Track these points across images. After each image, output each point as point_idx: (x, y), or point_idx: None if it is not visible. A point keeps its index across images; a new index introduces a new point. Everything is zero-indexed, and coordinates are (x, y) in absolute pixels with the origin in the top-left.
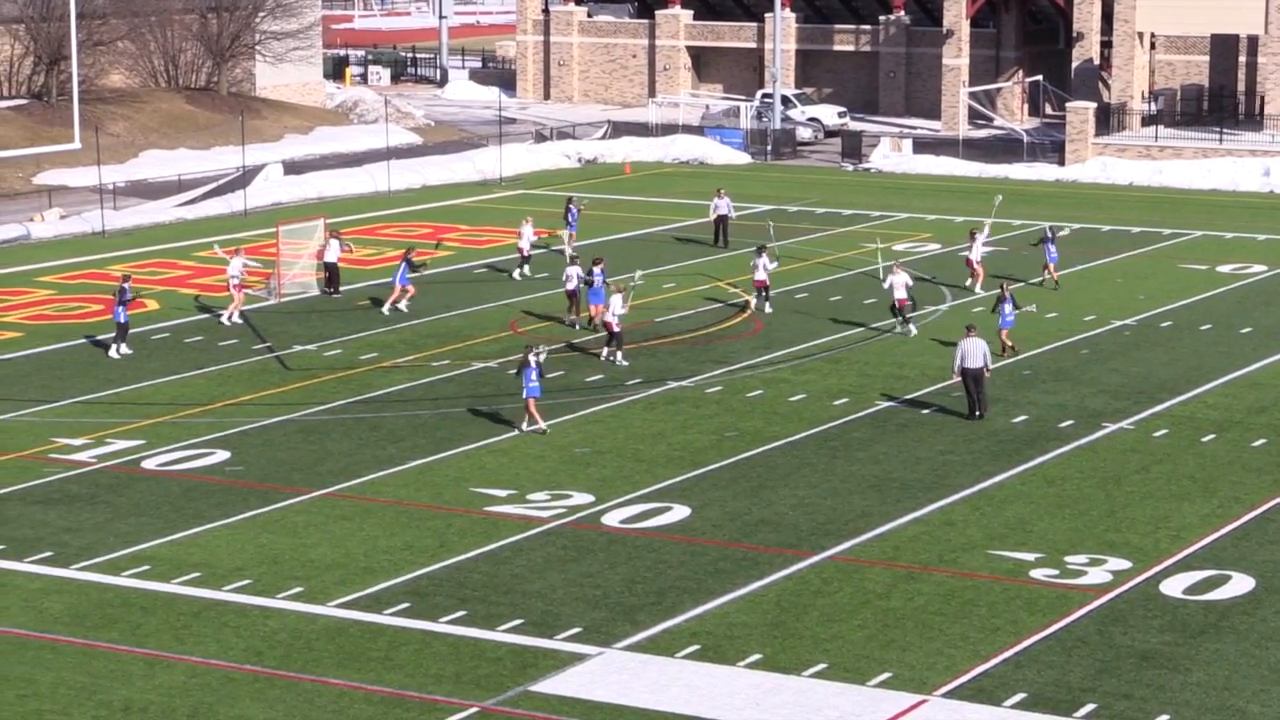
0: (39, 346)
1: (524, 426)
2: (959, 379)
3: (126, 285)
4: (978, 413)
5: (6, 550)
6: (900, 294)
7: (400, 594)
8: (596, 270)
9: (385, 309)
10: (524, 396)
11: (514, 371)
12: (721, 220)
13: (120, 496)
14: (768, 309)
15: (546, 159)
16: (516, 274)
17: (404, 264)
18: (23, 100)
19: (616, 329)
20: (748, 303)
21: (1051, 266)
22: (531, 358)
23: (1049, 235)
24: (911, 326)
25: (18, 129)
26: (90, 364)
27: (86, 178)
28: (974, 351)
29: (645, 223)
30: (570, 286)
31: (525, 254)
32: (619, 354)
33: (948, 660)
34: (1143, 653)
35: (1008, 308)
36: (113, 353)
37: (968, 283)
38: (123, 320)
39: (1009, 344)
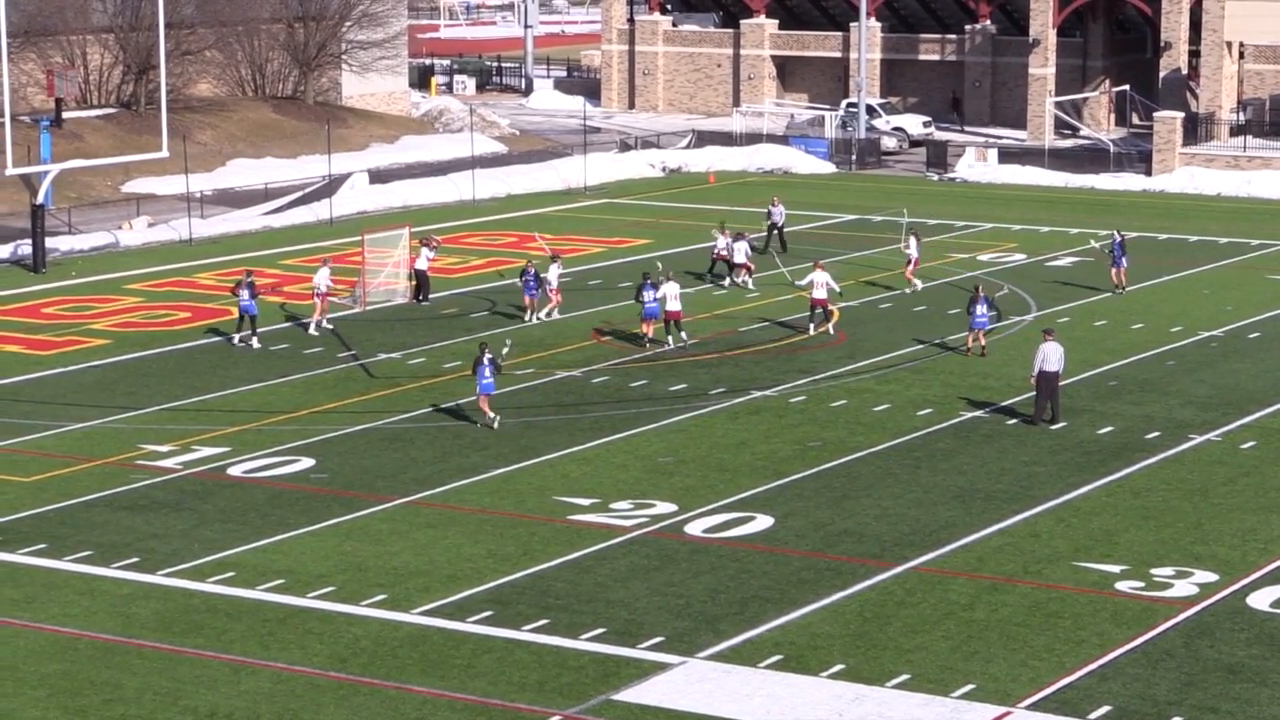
0: (127, 353)
1: (490, 421)
2: (1034, 381)
3: (251, 278)
4: (1048, 418)
5: (94, 556)
6: (820, 294)
7: (483, 602)
8: (648, 284)
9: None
10: (478, 393)
11: (471, 371)
12: (774, 228)
13: (206, 503)
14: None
15: (631, 168)
16: (727, 281)
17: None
18: (112, 109)
19: (680, 316)
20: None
21: (1118, 271)
22: (486, 355)
23: (1119, 239)
24: (818, 327)
25: (107, 137)
26: (177, 371)
27: (174, 186)
28: (1052, 355)
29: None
30: (550, 287)
31: (724, 258)
32: (683, 334)
33: (1032, 672)
34: (1229, 666)
35: (979, 308)
36: (254, 342)
37: (908, 290)
38: (255, 312)
39: (984, 344)
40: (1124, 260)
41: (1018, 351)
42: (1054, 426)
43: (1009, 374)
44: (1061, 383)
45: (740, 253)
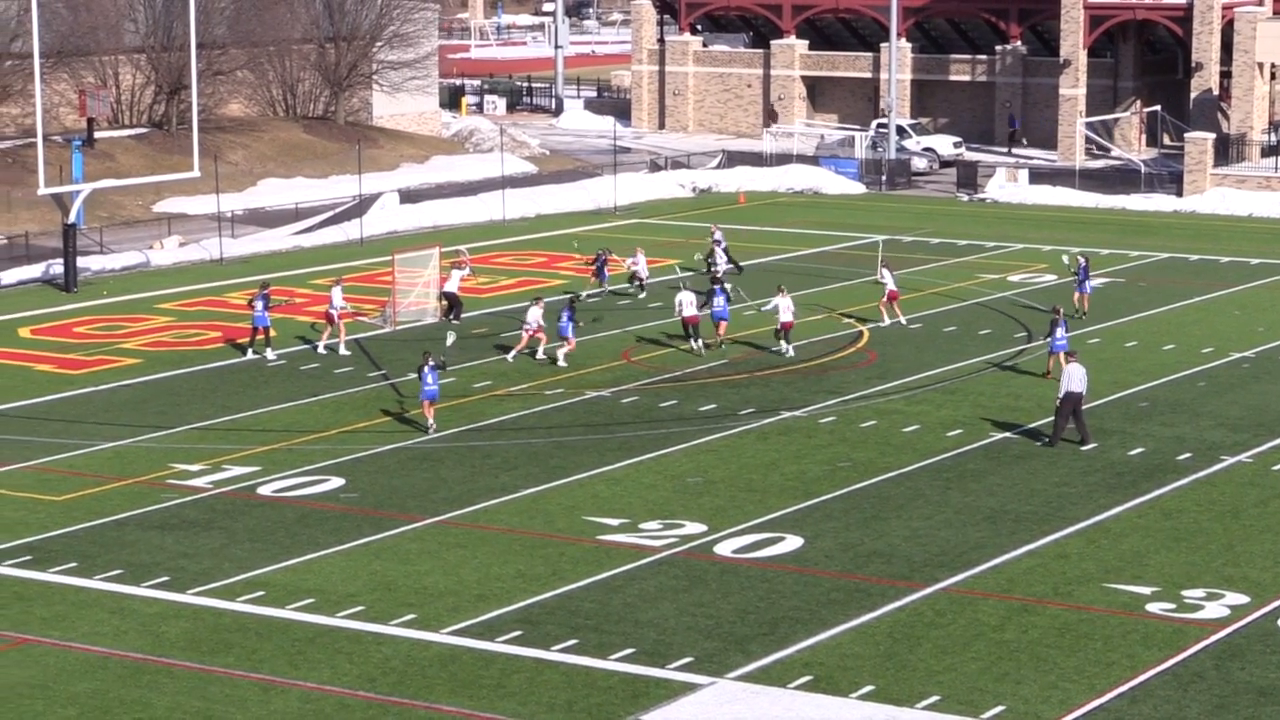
0: (157, 373)
1: (429, 427)
2: (1059, 403)
3: (267, 291)
4: (1076, 439)
5: (124, 575)
6: (786, 317)
7: (512, 622)
8: (720, 290)
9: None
10: (420, 399)
11: (415, 374)
12: (715, 250)
13: (236, 522)
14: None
15: (661, 188)
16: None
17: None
18: (144, 129)
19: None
20: (861, 332)
21: (1081, 296)
22: (429, 361)
23: (1083, 263)
24: (790, 348)
25: (138, 157)
26: (207, 390)
27: (205, 206)
28: (1076, 376)
29: (759, 252)
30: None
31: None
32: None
33: (1062, 694)
34: (1260, 689)
35: (1060, 331)
36: (266, 353)
37: (886, 321)
38: (268, 324)
39: (1052, 369)
40: (1088, 285)
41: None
42: (1085, 448)
43: (1039, 395)
44: (1093, 403)
45: (786, 311)
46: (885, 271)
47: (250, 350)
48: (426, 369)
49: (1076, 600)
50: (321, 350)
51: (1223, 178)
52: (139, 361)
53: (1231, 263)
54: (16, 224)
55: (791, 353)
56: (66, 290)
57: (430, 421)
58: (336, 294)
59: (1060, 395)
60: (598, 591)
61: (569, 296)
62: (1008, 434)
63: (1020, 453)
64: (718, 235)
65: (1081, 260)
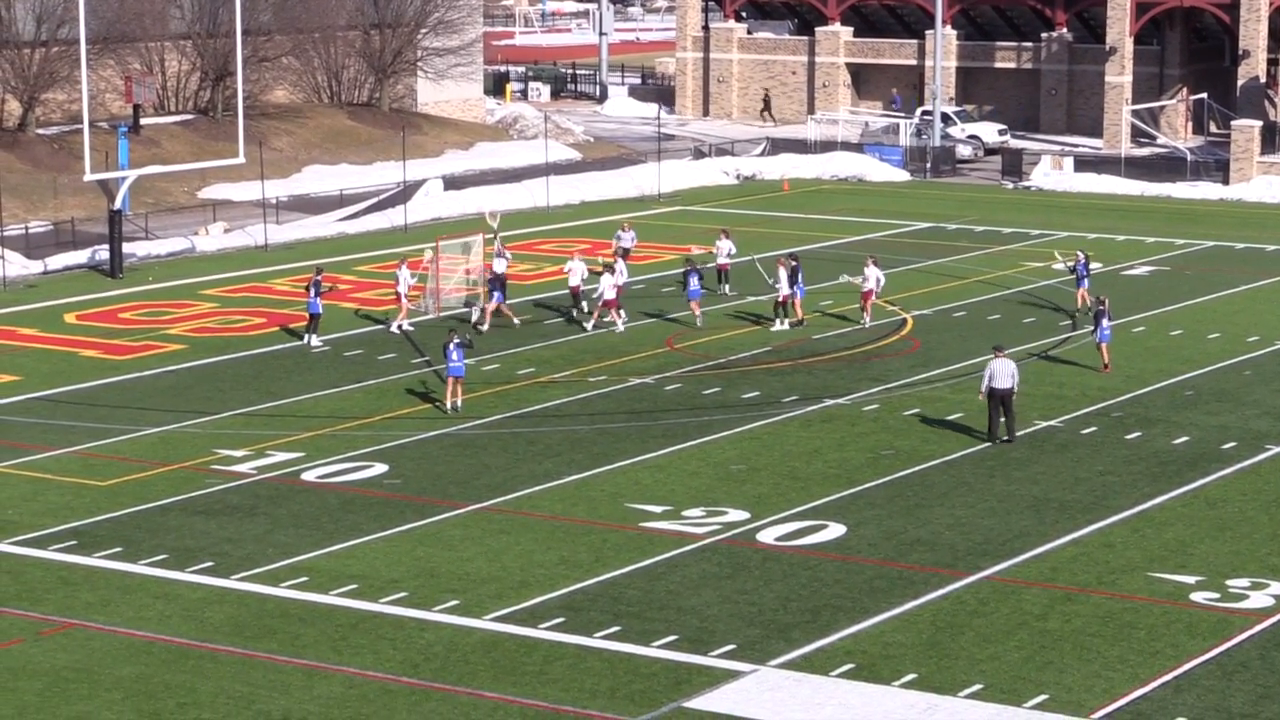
0: (202, 359)
1: (452, 403)
2: (984, 399)
3: (320, 277)
4: (1005, 437)
5: (168, 560)
6: (785, 289)
7: (555, 608)
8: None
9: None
10: (447, 375)
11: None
12: (625, 254)
13: (280, 508)
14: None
15: (705, 175)
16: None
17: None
18: (189, 115)
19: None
20: (905, 320)
21: (1083, 293)
22: (454, 339)
23: (1083, 259)
24: (788, 323)
25: (184, 143)
26: (251, 376)
27: (250, 192)
28: (1003, 372)
29: (803, 239)
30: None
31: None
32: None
33: (1106, 683)
34: None
35: (1105, 321)
36: (315, 341)
37: (866, 321)
38: (318, 311)
39: (1106, 360)
40: (1087, 281)
41: (1092, 360)
42: (993, 443)
43: (1083, 383)
44: (1138, 391)
45: (785, 283)
46: (873, 266)
47: (313, 339)
48: (452, 346)
49: (1120, 589)
50: (402, 330)
51: (1269, 165)
52: (184, 347)
53: (1278, 251)
54: (63, 210)
55: (787, 325)
56: (112, 276)
57: (453, 401)
58: (404, 274)
59: (983, 391)
60: (640, 578)
61: (688, 260)
62: (1052, 422)
63: (1064, 441)
64: (622, 235)
65: (1081, 256)
